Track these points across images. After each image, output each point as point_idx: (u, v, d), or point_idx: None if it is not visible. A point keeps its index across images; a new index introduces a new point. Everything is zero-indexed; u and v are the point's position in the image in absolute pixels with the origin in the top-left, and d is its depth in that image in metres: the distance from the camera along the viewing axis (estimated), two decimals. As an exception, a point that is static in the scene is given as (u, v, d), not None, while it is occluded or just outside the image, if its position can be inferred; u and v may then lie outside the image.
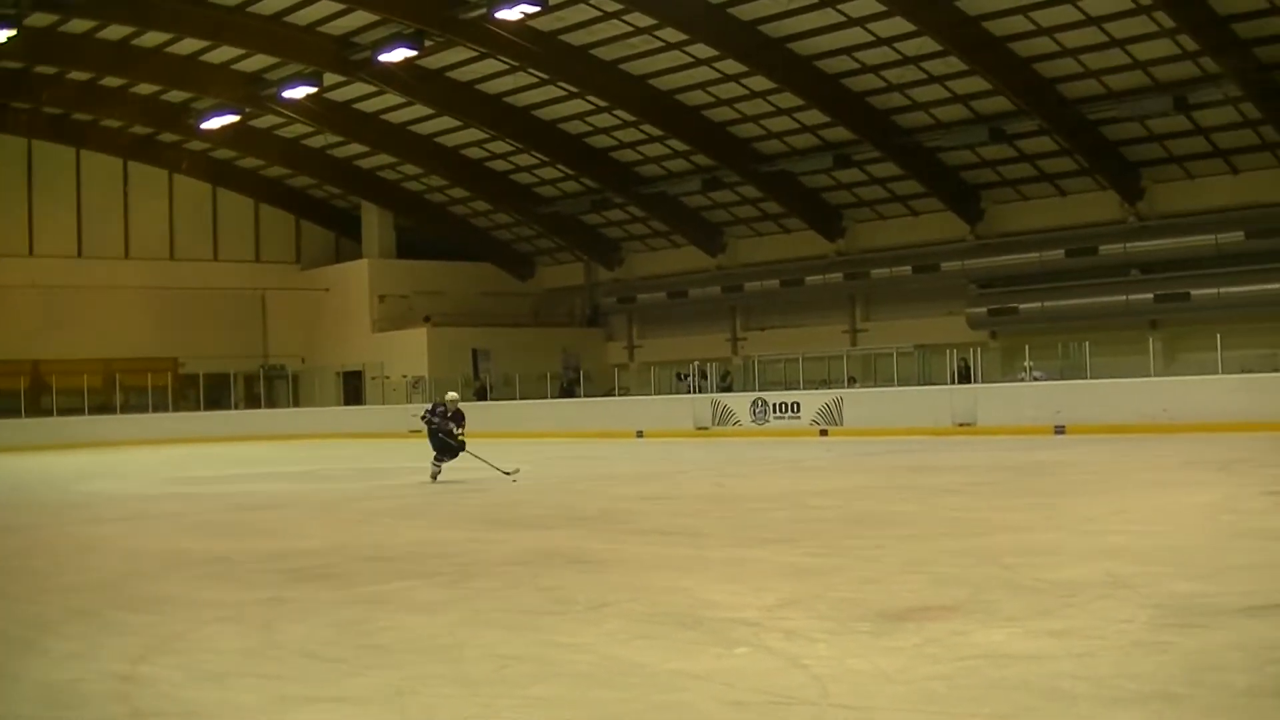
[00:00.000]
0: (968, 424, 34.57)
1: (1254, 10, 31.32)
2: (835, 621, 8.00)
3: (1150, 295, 38.61)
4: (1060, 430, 32.05)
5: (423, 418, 22.48)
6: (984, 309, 42.51)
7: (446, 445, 21.74)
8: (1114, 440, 28.24)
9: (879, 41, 36.19)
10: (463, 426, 21.92)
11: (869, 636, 7.52)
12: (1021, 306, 41.42)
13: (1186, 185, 39.19)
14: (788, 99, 40.36)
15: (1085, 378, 35.02)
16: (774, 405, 39.02)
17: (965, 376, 37.65)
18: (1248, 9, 31.34)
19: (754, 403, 39.30)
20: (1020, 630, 7.52)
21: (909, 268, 44.48)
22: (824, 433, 36.87)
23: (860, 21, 35.34)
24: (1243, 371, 31.60)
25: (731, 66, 39.08)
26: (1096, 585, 8.89)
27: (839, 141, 42.04)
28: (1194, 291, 37.62)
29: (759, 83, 39.77)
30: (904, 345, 41.86)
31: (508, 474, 20.77)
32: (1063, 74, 36.05)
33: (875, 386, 40.53)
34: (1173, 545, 11.07)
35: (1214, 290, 37.28)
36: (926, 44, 35.51)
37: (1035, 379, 36.19)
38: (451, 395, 22.93)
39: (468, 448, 21.75)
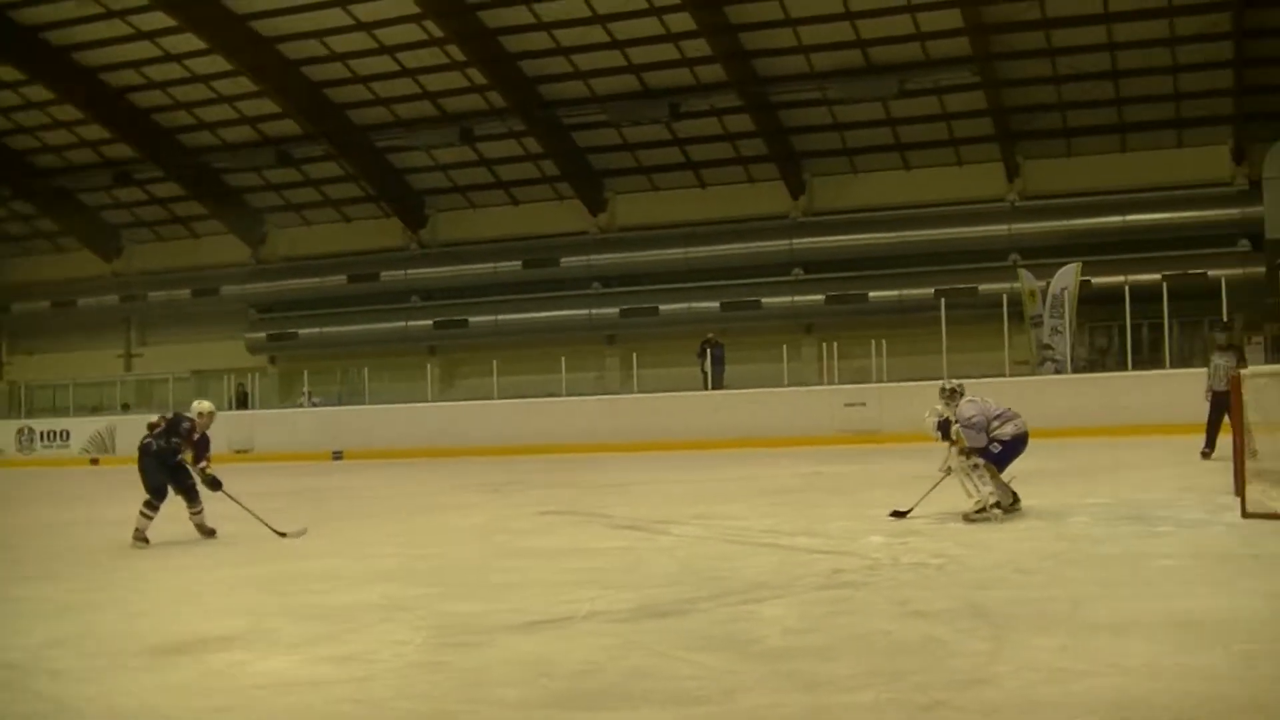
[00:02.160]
0: (245, 450, 34.14)
1: (540, 49, 33.55)
2: (106, 658, 7.68)
3: (430, 322, 39.87)
4: (338, 456, 32.43)
5: (146, 444, 14.05)
6: (263, 334, 42.31)
7: (168, 482, 13.96)
8: (391, 465, 28.87)
9: (168, 57, 35.39)
10: (206, 458, 14.02)
11: (143, 673, 7.26)
12: (301, 332, 41.57)
13: (469, 214, 40.93)
14: (68, 112, 38.57)
15: (364, 403, 35.61)
16: (41, 433, 37.25)
17: (243, 402, 37.29)
18: (535, 48, 33.52)
19: (19, 431, 37.16)
20: (300, 657, 7.52)
21: (188, 291, 43.39)
22: (95, 461, 35.36)
23: (150, 35, 34.44)
24: (519, 397, 33.08)
25: (8, 74, 36.86)
26: (374, 608, 9.03)
27: (120, 159, 40.49)
28: (473, 319, 39.27)
29: (37, 93, 37.73)
30: (181, 371, 40.80)
31: (283, 534, 13.93)
32: (353, 100, 36.73)
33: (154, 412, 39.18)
34: (446, 566, 11.43)
35: (492, 318, 39.13)
36: (217, 62, 35.06)
37: (314, 405, 36.43)
38: (203, 405, 14.27)
39: (225, 489, 13.94)
